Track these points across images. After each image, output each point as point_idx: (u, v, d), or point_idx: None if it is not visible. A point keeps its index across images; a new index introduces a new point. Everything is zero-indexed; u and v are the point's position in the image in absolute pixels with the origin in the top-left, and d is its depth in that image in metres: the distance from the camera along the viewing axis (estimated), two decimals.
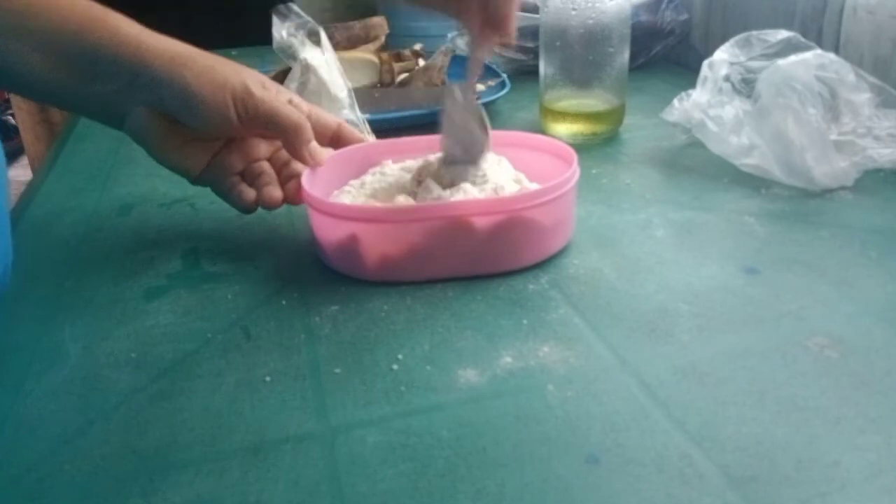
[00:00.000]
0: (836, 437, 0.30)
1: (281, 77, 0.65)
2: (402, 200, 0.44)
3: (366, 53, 0.74)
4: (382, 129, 0.63)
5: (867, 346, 0.35)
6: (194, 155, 0.46)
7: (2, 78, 0.42)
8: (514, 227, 0.42)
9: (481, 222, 0.41)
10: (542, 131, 0.65)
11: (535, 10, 0.80)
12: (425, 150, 0.49)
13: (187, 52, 0.43)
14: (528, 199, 0.41)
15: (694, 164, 0.57)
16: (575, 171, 0.44)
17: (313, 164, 0.46)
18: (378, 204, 0.45)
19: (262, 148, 0.49)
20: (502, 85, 0.72)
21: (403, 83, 0.72)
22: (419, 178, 0.46)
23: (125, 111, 0.44)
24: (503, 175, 0.46)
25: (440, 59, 0.77)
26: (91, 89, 0.43)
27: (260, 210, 0.48)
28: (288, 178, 0.48)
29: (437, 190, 0.44)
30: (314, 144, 0.46)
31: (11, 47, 0.39)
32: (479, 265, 0.42)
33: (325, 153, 0.47)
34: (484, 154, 0.46)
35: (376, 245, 0.42)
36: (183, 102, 0.42)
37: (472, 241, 0.41)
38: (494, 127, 0.60)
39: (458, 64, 0.79)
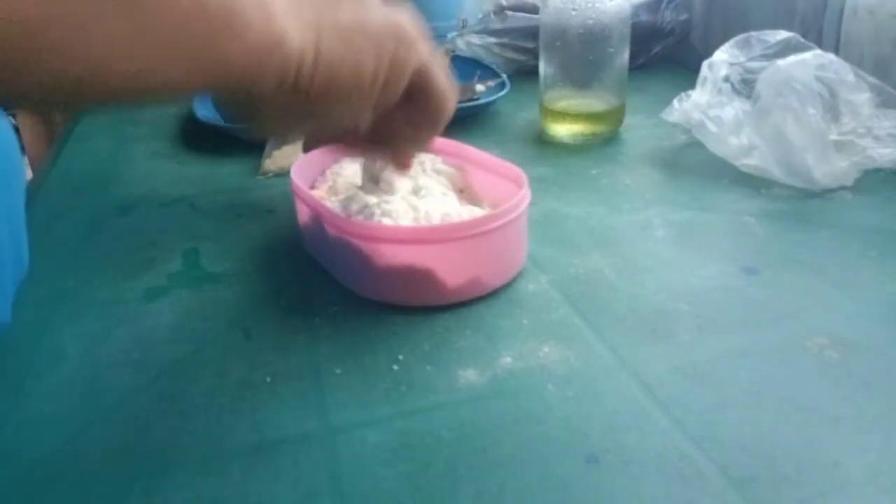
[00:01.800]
0: (835, 438, 0.30)
1: None
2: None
3: None
4: None
5: (867, 347, 0.35)
6: None
7: None
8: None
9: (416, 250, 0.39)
10: (543, 131, 0.65)
11: (535, 10, 0.80)
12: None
13: None
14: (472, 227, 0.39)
15: (694, 165, 0.57)
16: (524, 195, 0.41)
17: None
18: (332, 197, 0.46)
19: None
20: (502, 85, 0.72)
21: None
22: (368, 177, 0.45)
23: None
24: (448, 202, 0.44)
25: None
26: None
27: (259, 210, 0.48)
28: None
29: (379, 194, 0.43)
30: None
31: None
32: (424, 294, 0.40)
33: None
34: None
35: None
36: None
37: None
38: (494, 127, 0.61)
39: (458, 64, 0.79)
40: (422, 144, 0.38)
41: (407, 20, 0.31)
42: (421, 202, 0.42)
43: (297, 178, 0.45)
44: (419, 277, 0.39)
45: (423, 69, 0.32)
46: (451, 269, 0.39)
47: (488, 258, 0.40)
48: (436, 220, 0.41)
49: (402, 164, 0.40)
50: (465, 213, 0.43)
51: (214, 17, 0.23)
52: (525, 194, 0.41)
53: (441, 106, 0.34)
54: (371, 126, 0.33)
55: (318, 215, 0.42)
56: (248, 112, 0.30)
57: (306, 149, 0.44)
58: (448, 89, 0.33)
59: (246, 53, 0.25)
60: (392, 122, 0.34)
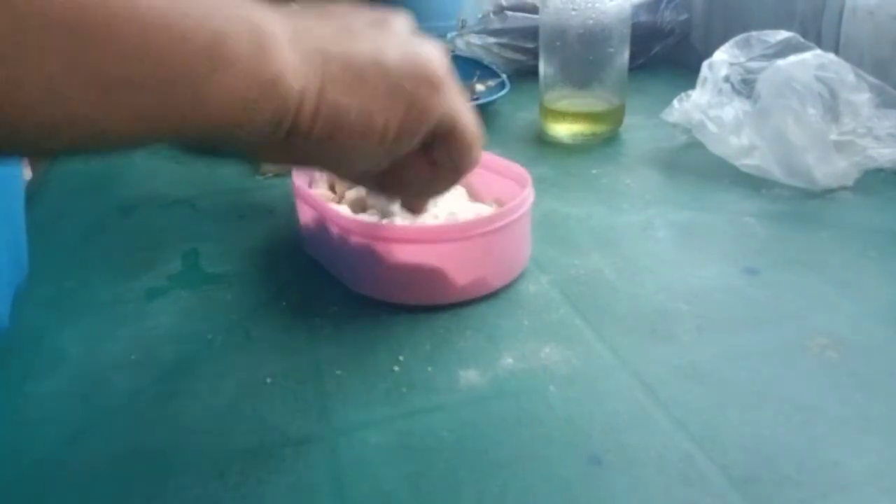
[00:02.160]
0: (837, 438, 0.30)
1: None
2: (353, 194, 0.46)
3: None
4: None
5: (868, 347, 0.35)
6: None
7: None
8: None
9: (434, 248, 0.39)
10: (542, 131, 0.65)
11: (534, 10, 0.80)
12: None
13: None
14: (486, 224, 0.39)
15: (694, 165, 0.57)
16: (528, 194, 0.41)
17: None
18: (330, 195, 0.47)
19: None
20: (502, 85, 0.72)
21: None
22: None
23: None
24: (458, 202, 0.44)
25: None
26: None
27: (260, 211, 0.48)
28: None
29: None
30: None
31: None
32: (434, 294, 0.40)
33: None
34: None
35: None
36: None
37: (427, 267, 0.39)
38: (494, 127, 0.61)
39: (458, 64, 0.79)
40: (439, 192, 0.33)
41: (432, 56, 0.26)
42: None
43: (298, 178, 0.45)
44: (426, 277, 0.39)
45: (448, 116, 0.27)
46: (459, 268, 0.39)
47: (494, 257, 0.40)
48: (442, 218, 0.42)
49: (415, 210, 0.35)
50: (471, 211, 0.43)
51: (194, 53, 0.20)
52: (529, 192, 0.41)
53: (465, 156, 0.29)
54: (384, 169, 0.29)
55: (323, 216, 0.42)
56: (240, 153, 0.27)
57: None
58: (475, 139, 0.29)
59: (231, 92, 0.21)
60: (409, 165, 0.29)
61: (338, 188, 0.48)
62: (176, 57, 0.19)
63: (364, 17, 0.26)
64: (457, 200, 0.44)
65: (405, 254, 0.39)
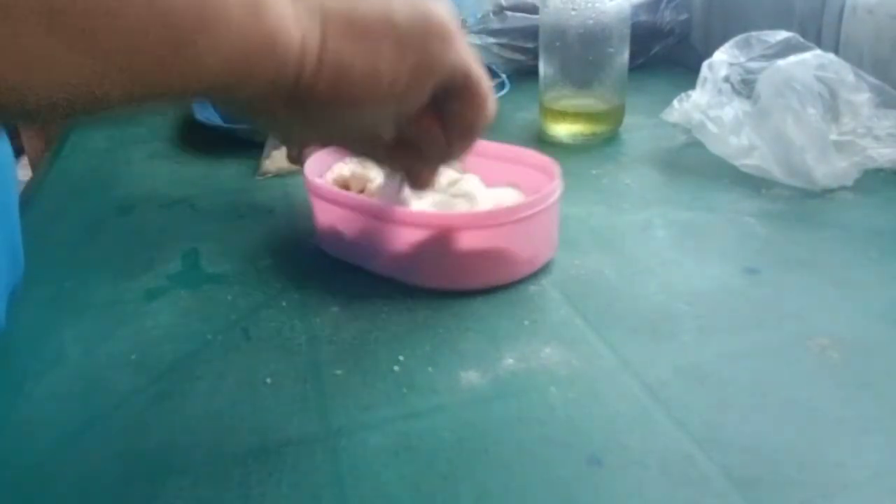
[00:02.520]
0: (838, 439, 0.30)
1: None
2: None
3: None
4: None
5: (869, 347, 0.35)
6: None
7: None
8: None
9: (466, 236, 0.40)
10: (542, 131, 0.65)
11: (534, 10, 0.80)
12: None
13: None
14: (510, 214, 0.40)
15: (694, 165, 0.57)
16: (557, 185, 0.42)
17: None
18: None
19: None
20: (502, 85, 0.72)
21: None
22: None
23: None
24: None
25: None
26: None
27: (259, 211, 0.48)
28: None
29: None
30: None
31: None
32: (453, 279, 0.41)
33: None
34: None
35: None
36: None
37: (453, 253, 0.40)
38: (494, 127, 0.59)
39: None
40: (452, 156, 0.32)
41: (441, 9, 0.25)
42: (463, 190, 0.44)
43: (312, 175, 0.45)
44: (486, 261, 0.40)
45: (460, 68, 0.27)
46: (518, 249, 0.41)
47: (543, 234, 0.43)
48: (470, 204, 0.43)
49: (423, 182, 0.34)
50: (490, 195, 0.45)
51: (183, 13, 0.19)
52: (558, 178, 0.43)
53: (479, 109, 0.28)
54: (395, 136, 0.29)
55: (356, 209, 0.42)
56: (248, 113, 0.26)
57: (293, 159, 0.44)
58: (489, 92, 0.28)
59: (224, 53, 0.20)
60: (421, 129, 0.29)
61: (353, 184, 0.48)
62: (167, 18, 0.19)
63: None
64: (475, 185, 0.46)
65: (465, 240, 0.40)
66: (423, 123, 0.29)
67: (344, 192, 0.44)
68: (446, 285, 0.41)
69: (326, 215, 0.44)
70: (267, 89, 0.23)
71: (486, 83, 0.28)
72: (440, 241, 0.40)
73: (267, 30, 0.21)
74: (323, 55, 0.23)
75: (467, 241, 0.40)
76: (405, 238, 0.40)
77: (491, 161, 0.48)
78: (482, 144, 0.47)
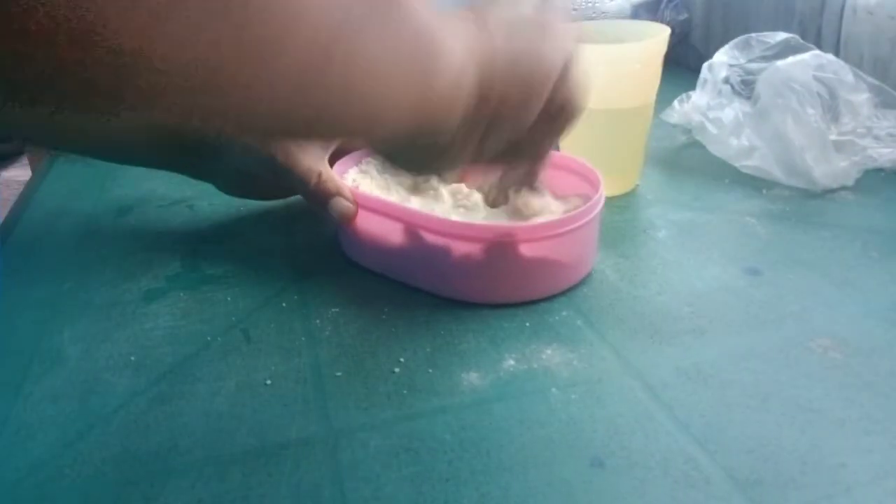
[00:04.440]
0: (841, 439, 0.30)
1: None
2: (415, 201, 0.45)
3: None
4: None
5: (871, 347, 0.35)
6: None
7: None
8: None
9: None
10: None
11: None
12: None
13: None
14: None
15: (695, 165, 0.57)
16: (600, 197, 0.42)
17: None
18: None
19: None
20: None
21: None
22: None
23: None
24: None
25: None
26: None
27: (258, 211, 0.47)
28: None
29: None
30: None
31: None
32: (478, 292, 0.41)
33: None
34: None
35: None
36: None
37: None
38: None
39: None
40: (547, 148, 0.36)
41: (570, 38, 0.31)
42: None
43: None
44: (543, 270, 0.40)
45: (571, 81, 0.32)
46: (567, 258, 0.41)
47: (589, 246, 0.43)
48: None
49: (533, 177, 0.40)
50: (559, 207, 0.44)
51: (427, 44, 0.23)
52: (601, 186, 0.42)
53: (577, 111, 0.33)
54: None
55: (416, 224, 0.40)
56: (422, 157, 0.30)
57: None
58: (583, 93, 0.33)
59: (446, 85, 0.25)
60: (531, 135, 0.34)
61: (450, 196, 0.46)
62: (417, 53, 0.24)
63: (525, 10, 0.30)
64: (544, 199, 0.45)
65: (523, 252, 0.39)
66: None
67: (397, 205, 0.42)
68: (501, 300, 0.40)
69: (371, 226, 0.43)
70: (460, 116, 0.27)
71: (581, 87, 0.33)
72: (495, 254, 0.39)
73: (464, 62, 0.26)
74: (491, 86, 0.28)
75: (525, 252, 0.39)
76: (459, 251, 0.39)
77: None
78: None
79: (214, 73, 0.17)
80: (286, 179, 0.43)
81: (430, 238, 0.40)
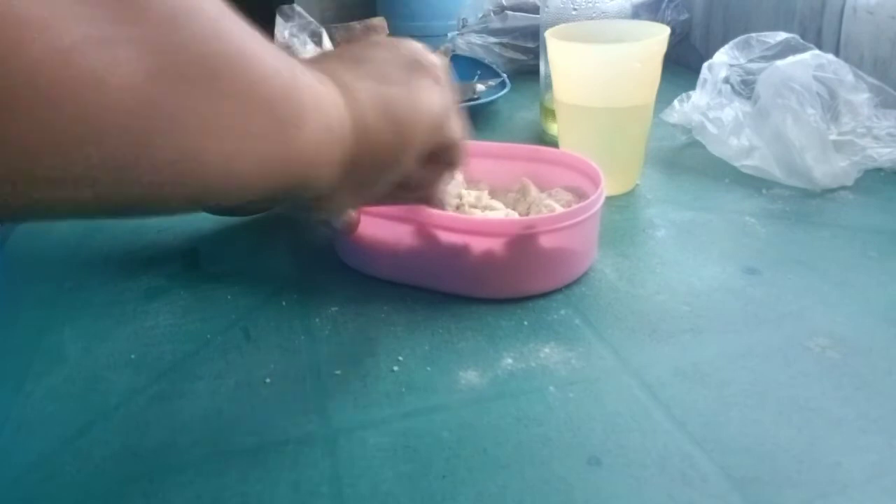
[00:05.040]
0: (837, 438, 0.30)
1: None
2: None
3: None
4: None
5: (869, 347, 0.35)
6: None
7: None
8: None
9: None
10: (543, 131, 0.65)
11: (535, 9, 0.80)
12: None
13: None
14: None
15: (694, 165, 0.57)
16: (600, 194, 0.42)
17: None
18: None
19: None
20: (502, 85, 0.72)
21: None
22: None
23: None
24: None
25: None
26: None
27: (257, 211, 0.48)
28: None
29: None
30: None
31: None
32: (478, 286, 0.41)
33: None
34: None
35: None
36: None
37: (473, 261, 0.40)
38: (494, 127, 0.61)
39: (458, 63, 0.79)
40: (435, 188, 0.38)
41: (446, 100, 0.32)
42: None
43: None
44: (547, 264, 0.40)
45: (450, 140, 0.33)
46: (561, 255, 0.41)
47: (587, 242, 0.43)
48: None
49: (438, 203, 0.40)
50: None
51: (288, 102, 0.23)
52: (601, 183, 0.43)
53: (458, 154, 0.35)
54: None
55: (424, 224, 0.40)
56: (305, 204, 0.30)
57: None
58: (464, 146, 0.35)
59: (313, 138, 0.25)
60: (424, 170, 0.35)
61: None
62: (277, 110, 0.23)
63: (399, 61, 0.31)
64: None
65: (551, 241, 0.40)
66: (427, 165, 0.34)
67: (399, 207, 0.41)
68: (510, 293, 0.40)
69: (372, 231, 0.42)
70: (333, 172, 0.27)
71: (464, 144, 0.35)
72: (515, 247, 0.39)
73: (336, 122, 0.26)
74: (364, 138, 0.28)
75: (541, 243, 0.39)
76: (478, 247, 0.39)
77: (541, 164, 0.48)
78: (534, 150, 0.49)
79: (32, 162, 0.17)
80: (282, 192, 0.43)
81: (444, 237, 0.40)
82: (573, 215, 0.39)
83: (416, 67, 0.31)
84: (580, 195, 0.45)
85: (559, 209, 0.43)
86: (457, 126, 0.34)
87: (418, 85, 0.31)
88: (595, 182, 0.43)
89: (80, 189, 0.18)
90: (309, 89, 0.25)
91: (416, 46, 0.33)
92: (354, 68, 0.29)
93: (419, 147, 0.31)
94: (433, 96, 0.31)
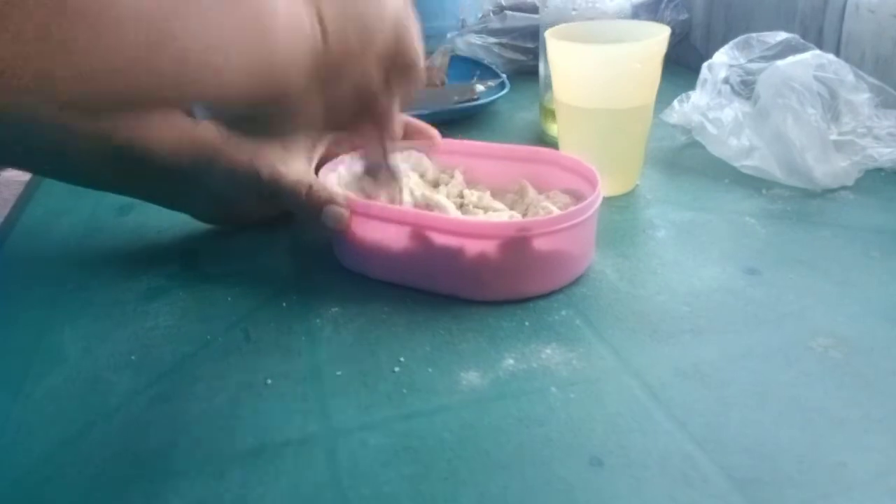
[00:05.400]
0: (840, 438, 0.30)
1: None
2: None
3: None
4: None
5: (870, 347, 0.35)
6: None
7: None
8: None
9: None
10: (542, 131, 0.65)
11: (534, 9, 0.80)
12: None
13: None
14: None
15: (694, 165, 0.57)
16: (597, 196, 0.42)
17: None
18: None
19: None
20: (502, 85, 0.72)
21: None
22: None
23: None
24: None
25: (439, 59, 0.77)
26: None
27: None
28: None
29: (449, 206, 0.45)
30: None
31: None
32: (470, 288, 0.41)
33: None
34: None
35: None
36: None
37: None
38: (494, 127, 0.61)
39: (458, 64, 0.79)
40: (392, 109, 0.37)
41: (403, 5, 0.33)
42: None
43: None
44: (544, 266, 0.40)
45: (408, 35, 0.34)
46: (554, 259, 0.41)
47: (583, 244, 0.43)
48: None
49: (387, 155, 0.40)
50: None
51: (256, 7, 0.26)
52: (599, 190, 0.42)
53: (415, 65, 0.35)
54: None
55: (421, 226, 0.40)
56: (268, 123, 0.32)
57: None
58: (420, 49, 0.35)
59: (288, 48, 0.27)
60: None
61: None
62: (257, 21, 0.26)
63: None
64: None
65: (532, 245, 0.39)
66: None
67: (398, 208, 0.43)
68: (505, 296, 0.40)
69: (374, 233, 0.42)
70: (305, 76, 0.29)
71: (418, 44, 0.35)
72: (509, 249, 0.39)
73: (301, 22, 0.28)
74: (327, 36, 0.29)
75: (536, 245, 0.39)
76: (472, 249, 0.39)
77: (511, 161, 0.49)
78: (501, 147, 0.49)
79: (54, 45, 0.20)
80: (275, 196, 0.43)
81: (441, 239, 0.40)
82: (568, 218, 0.39)
83: None
84: (578, 197, 0.45)
85: (556, 211, 0.43)
86: (414, 39, 0.34)
87: None
88: (592, 184, 0.43)
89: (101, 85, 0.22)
90: None
91: None
92: None
93: (381, 49, 0.32)
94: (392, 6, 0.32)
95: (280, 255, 0.47)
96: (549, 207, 0.44)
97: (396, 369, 0.35)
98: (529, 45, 0.80)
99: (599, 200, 0.42)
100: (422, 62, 0.35)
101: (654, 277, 0.42)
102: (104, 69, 0.22)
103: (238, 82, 0.26)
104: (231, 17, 0.25)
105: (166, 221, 0.52)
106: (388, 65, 0.33)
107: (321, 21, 0.29)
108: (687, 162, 0.58)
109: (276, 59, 0.27)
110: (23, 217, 0.55)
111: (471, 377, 0.34)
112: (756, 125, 0.53)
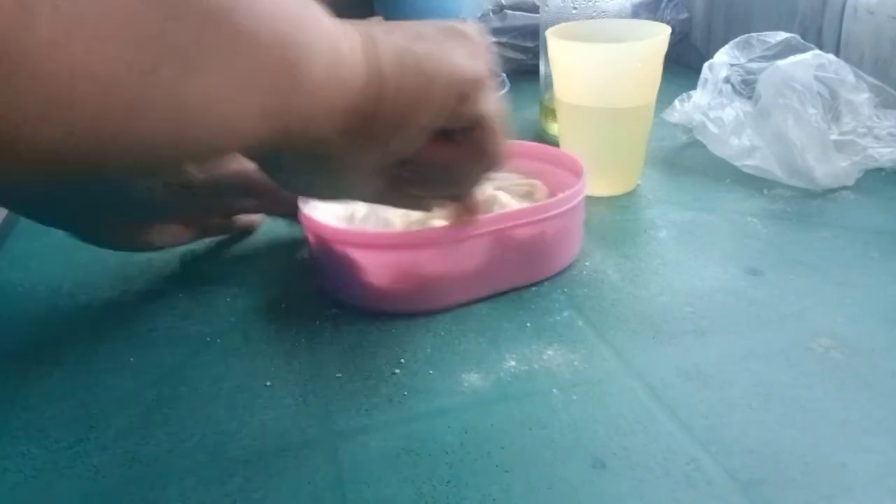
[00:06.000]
0: (842, 439, 0.30)
1: None
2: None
3: None
4: None
5: (872, 347, 0.35)
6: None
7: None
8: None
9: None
10: (543, 131, 0.65)
11: (534, 9, 0.80)
12: None
13: None
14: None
15: (695, 165, 0.57)
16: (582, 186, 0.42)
17: None
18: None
19: None
20: (502, 84, 0.72)
21: None
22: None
23: None
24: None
25: None
26: None
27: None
28: None
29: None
30: None
31: None
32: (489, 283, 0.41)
33: None
34: None
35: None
36: None
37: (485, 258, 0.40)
38: None
39: None
40: (471, 182, 0.34)
41: (475, 65, 0.29)
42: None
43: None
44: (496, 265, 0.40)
45: (484, 97, 0.30)
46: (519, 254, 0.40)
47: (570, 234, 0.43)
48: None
49: (472, 207, 0.38)
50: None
51: (287, 51, 0.22)
52: (584, 181, 0.43)
53: (495, 132, 0.31)
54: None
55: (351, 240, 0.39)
56: (303, 166, 0.28)
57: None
58: (502, 133, 0.31)
59: (313, 94, 0.23)
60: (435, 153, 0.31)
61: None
62: (274, 59, 0.22)
63: (435, 26, 0.29)
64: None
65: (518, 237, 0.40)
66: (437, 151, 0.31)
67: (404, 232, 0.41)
68: (508, 285, 0.41)
69: (382, 267, 0.39)
70: (340, 125, 0.26)
71: (500, 126, 0.31)
72: (498, 243, 0.39)
73: (345, 71, 0.25)
74: (382, 82, 0.26)
75: (521, 237, 0.40)
76: (479, 248, 0.39)
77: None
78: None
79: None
80: (225, 190, 0.41)
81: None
82: (554, 206, 0.40)
83: (453, 33, 0.29)
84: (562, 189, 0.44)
85: (515, 204, 0.43)
86: (490, 102, 0.30)
87: (450, 45, 0.28)
88: (578, 175, 0.43)
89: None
90: (316, 24, 0.23)
91: (455, 22, 0.31)
92: (386, 27, 0.28)
93: (438, 107, 0.28)
94: (463, 57, 0.28)
95: (279, 256, 0.47)
96: (500, 198, 0.44)
97: (397, 371, 0.35)
98: (529, 44, 0.80)
99: (583, 193, 0.42)
100: (497, 125, 0.30)
101: (656, 278, 0.42)
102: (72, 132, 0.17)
103: (250, 124, 0.22)
104: (245, 55, 0.21)
105: None
106: (453, 120, 0.29)
107: (373, 61, 0.26)
108: (688, 161, 0.58)
109: (300, 101, 0.23)
110: (21, 218, 0.55)
111: (472, 379, 0.34)
112: (757, 125, 0.53)
